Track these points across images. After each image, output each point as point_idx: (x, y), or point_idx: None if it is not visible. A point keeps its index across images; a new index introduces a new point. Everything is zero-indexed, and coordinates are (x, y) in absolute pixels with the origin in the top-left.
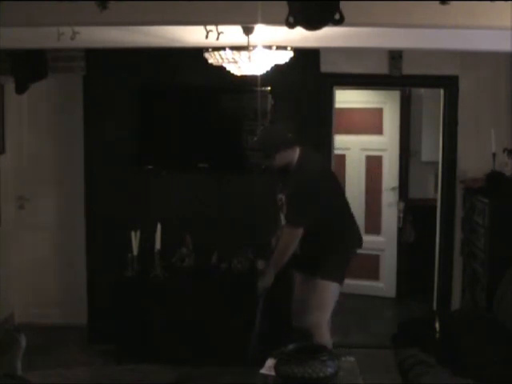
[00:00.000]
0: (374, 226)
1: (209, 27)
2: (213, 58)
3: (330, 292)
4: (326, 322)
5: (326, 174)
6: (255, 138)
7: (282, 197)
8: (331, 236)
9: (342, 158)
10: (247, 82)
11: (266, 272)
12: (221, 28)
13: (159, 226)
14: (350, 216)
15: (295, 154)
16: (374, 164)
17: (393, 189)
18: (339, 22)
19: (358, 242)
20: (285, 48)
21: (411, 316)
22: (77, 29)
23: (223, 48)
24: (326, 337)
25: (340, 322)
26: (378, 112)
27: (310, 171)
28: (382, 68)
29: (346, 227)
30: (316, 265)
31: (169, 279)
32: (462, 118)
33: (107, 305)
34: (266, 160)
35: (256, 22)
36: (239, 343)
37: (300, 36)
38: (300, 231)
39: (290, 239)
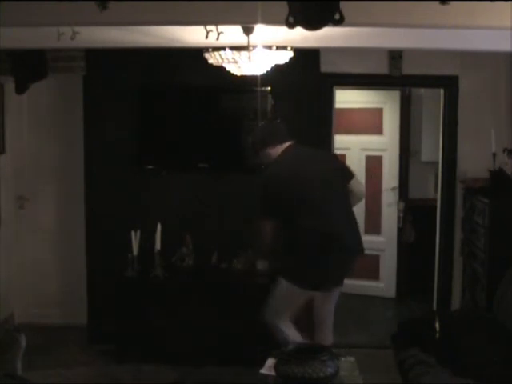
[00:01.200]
0: (374, 226)
1: (209, 27)
2: (213, 58)
3: (285, 292)
4: (280, 321)
5: (293, 170)
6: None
7: None
8: (294, 234)
9: (342, 158)
10: (247, 82)
11: None
12: (221, 28)
13: (159, 226)
14: (329, 218)
15: (280, 151)
16: (374, 164)
17: (393, 189)
18: (339, 22)
19: (337, 247)
20: (285, 48)
21: (411, 316)
22: (77, 29)
23: (223, 48)
24: (280, 336)
25: (340, 322)
26: (378, 112)
27: (275, 165)
28: (382, 68)
29: (315, 228)
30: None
31: (169, 279)
32: (462, 118)
33: (107, 305)
34: (255, 156)
35: (256, 22)
36: (239, 343)
37: (300, 36)
38: (265, 222)
39: (260, 230)
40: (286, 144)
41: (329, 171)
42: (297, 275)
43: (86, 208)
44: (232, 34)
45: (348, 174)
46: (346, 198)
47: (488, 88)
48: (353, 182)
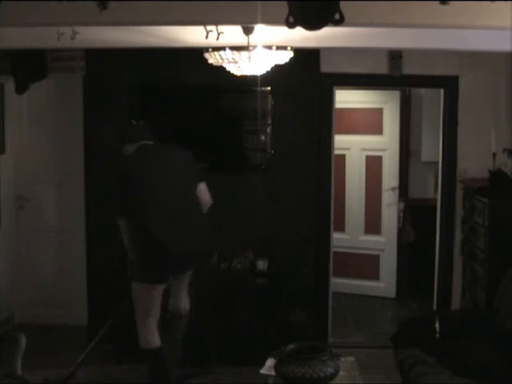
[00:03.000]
0: (373, 226)
1: (209, 27)
2: (213, 58)
3: (138, 293)
4: (144, 326)
5: (139, 167)
6: None
7: None
8: (136, 232)
9: (342, 157)
10: (247, 82)
11: None
12: (221, 28)
13: None
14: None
15: (135, 148)
16: (373, 164)
17: (393, 189)
18: (339, 22)
19: (170, 246)
20: (285, 48)
21: (411, 316)
22: (77, 29)
23: (223, 48)
24: (146, 341)
25: (340, 321)
26: (378, 112)
27: (126, 161)
28: (381, 68)
29: (153, 225)
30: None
31: None
32: (462, 118)
33: (107, 305)
34: (120, 150)
35: (256, 22)
36: (239, 343)
37: (300, 36)
38: (120, 221)
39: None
40: (142, 142)
41: (176, 172)
42: (151, 271)
43: (86, 208)
44: (232, 34)
45: (197, 178)
46: (192, 199)
47: (488, 88)
48: (200, 187)
